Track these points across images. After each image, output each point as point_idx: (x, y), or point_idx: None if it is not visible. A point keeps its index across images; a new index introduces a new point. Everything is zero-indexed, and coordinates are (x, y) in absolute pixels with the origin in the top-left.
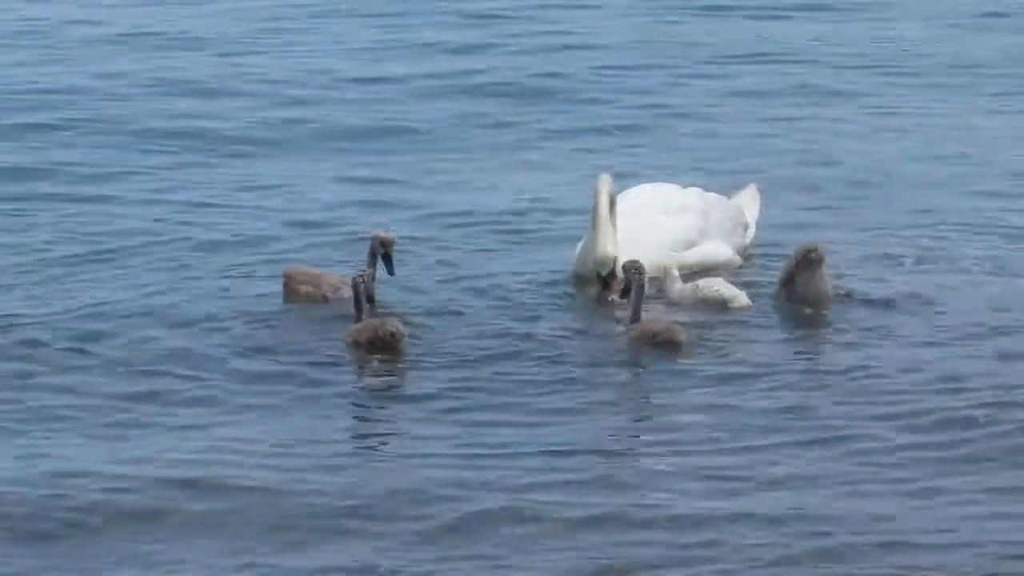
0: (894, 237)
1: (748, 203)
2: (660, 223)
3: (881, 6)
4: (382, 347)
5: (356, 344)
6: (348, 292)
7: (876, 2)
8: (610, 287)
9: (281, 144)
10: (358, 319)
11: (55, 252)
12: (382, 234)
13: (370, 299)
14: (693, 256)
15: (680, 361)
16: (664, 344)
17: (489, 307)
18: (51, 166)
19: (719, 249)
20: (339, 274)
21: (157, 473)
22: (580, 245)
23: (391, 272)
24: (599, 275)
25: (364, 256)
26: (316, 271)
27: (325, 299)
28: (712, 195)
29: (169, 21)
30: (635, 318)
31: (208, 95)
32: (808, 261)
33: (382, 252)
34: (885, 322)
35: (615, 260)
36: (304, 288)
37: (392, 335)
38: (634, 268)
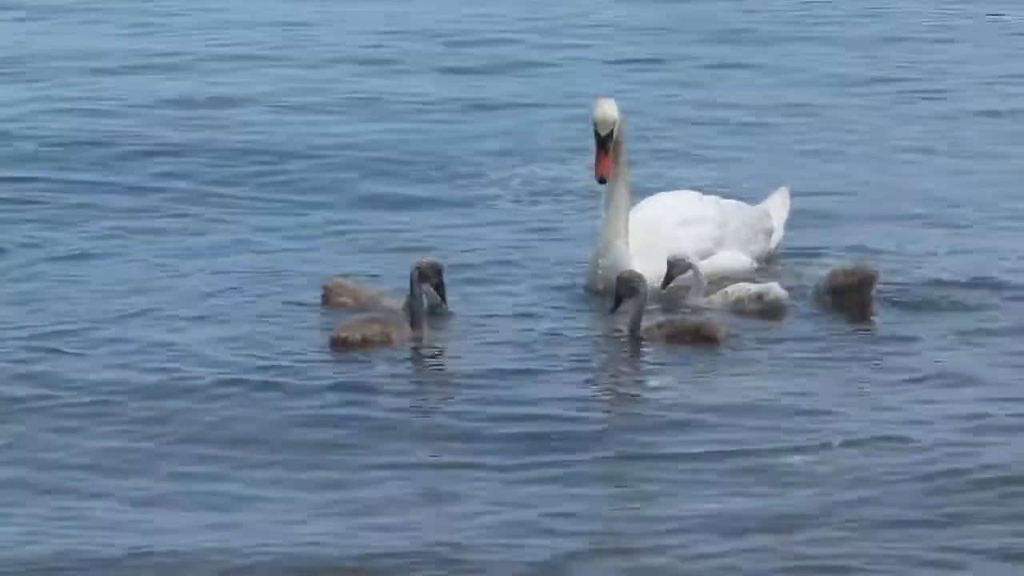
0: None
1: (777, 206)
2: (674, 235)
3: None
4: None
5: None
6: (386, 302)
7: None
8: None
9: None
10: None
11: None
12: (427, 261)
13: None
14: (707, 267)
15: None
16: (702, 339)
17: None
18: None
19: (735, 258)
20: (377, 287)
21: None
22: (590, 256)
23: (443, 301)
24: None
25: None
26: (354, 284)
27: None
28: (731, 202)
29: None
30: (634, 327)
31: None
32: (870, 283)
33: (433, 282)
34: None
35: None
36: (342, 300)
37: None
38: (635, 278)
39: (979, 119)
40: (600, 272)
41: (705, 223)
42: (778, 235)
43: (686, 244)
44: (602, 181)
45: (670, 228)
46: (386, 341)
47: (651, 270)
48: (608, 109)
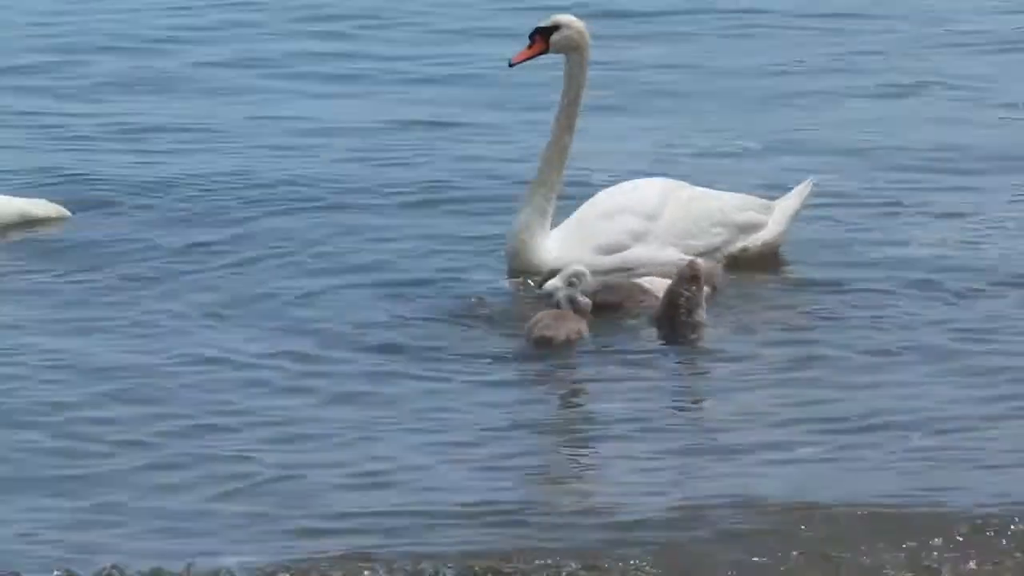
0: None
1: (788, 202)
2: (594, 225)
3: None
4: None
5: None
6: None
7: None
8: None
9: None
10: None
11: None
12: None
13: None
14: (614, 260)
15: None
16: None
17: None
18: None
19: (650, 253)
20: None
21: None
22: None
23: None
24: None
25: None
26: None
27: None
28: (689, 192)
29: None
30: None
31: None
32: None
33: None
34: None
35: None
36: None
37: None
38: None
39: None
40: (510, 258)
41: (627, 215)
42: (773, 231)
43: (602, 238)
44: (511, 65)
45: (594, 219)
46: (579, 338)
47: (567, 261)
48: (564, 16)
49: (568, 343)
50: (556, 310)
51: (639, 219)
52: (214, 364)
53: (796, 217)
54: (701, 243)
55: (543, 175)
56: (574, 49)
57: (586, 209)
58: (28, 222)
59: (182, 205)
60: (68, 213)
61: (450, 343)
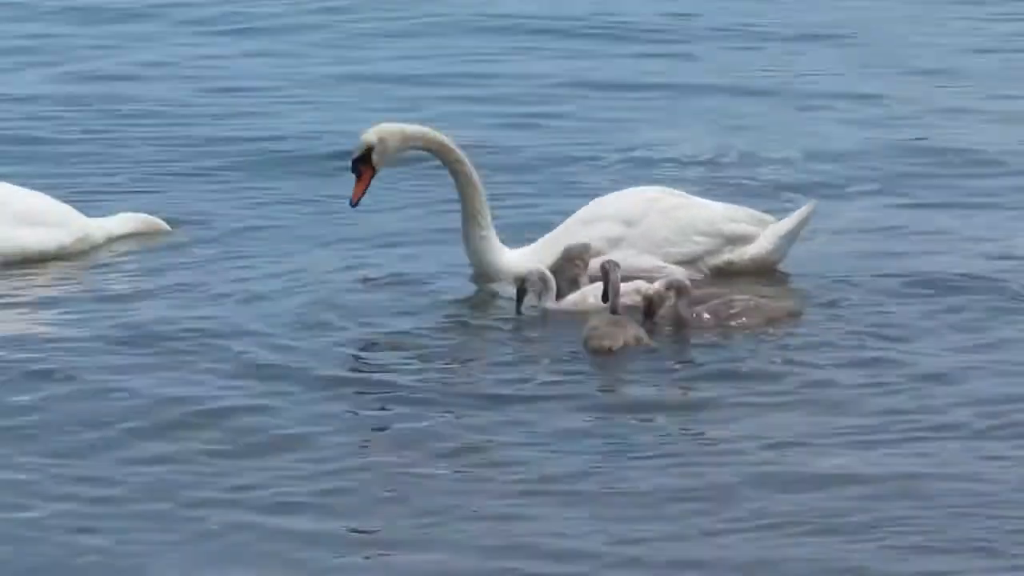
0: None
1: (784, 222)
2: (572, 231)
3: None
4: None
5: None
6: None
7: None
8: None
9: None
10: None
11: None
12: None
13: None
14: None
15: None
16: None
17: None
18: None
19: (626, 260)
20: None
21: None
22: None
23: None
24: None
25: None
26: None
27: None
28: (676, 200)
29: None
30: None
31: None
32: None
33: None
34: None
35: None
36: None
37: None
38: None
39: None
40: (478, 278)
41: (606, 221)
42: (762, 247)
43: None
44: (352, 204)
45: (575, 225)
46: (638, 344)
47: (523, 264)
48: (368, 134)
49: (625, 349)
50: (612, 316)
51: (616, 225)
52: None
53: (792, 237)
54: (681, 251)
55: (469, 208)
56: (406, 149)
57: (572, 218)
58: (129, 237)
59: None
60: (168, 228)
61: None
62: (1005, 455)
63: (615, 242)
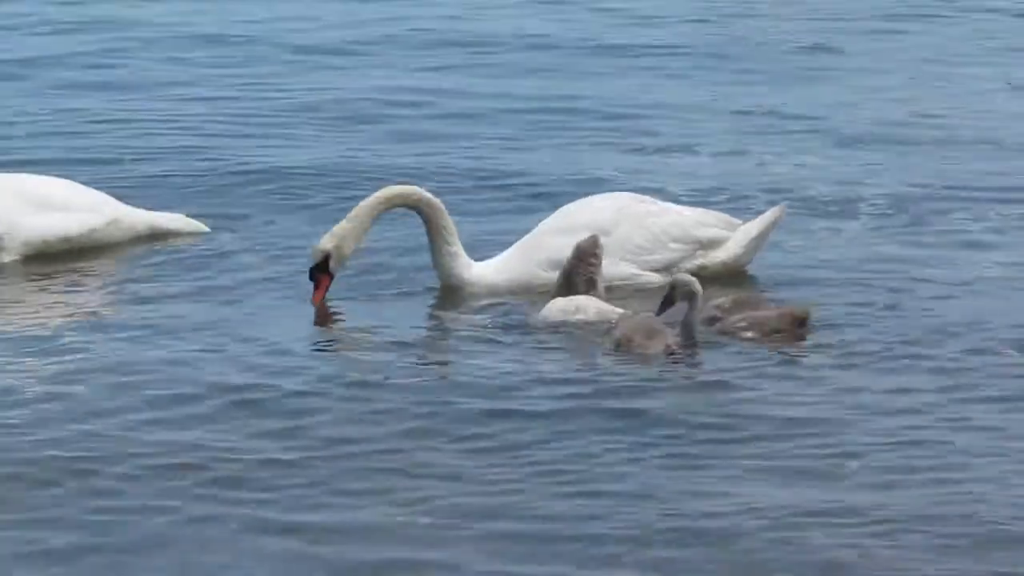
0: None
1: (752, 224)
2: (545, 242)
3: None
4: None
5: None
6: None
7: None
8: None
9: None
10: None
11: None
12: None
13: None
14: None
15: None
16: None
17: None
18: None
19: (604, 269)
20: None
21: None
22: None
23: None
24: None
25: None
26: None
27: None
28: (647, 207)
29: None
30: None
31: None
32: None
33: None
34: None
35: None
36: None
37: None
38: (684, 284)
39: None
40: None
41: (580, 231)
42: (731, 251)
43: (545, 253)
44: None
45: (547, 235)
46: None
47: (490, 275)
48: (322, 241)
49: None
50: (643, 320)
51: (590, 233)
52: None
53: (761, 240)
54: (657, 258)
55: (434, 227)
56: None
57: (541, 227)
58: (164, 236)
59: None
60: (205, 228)
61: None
62: None
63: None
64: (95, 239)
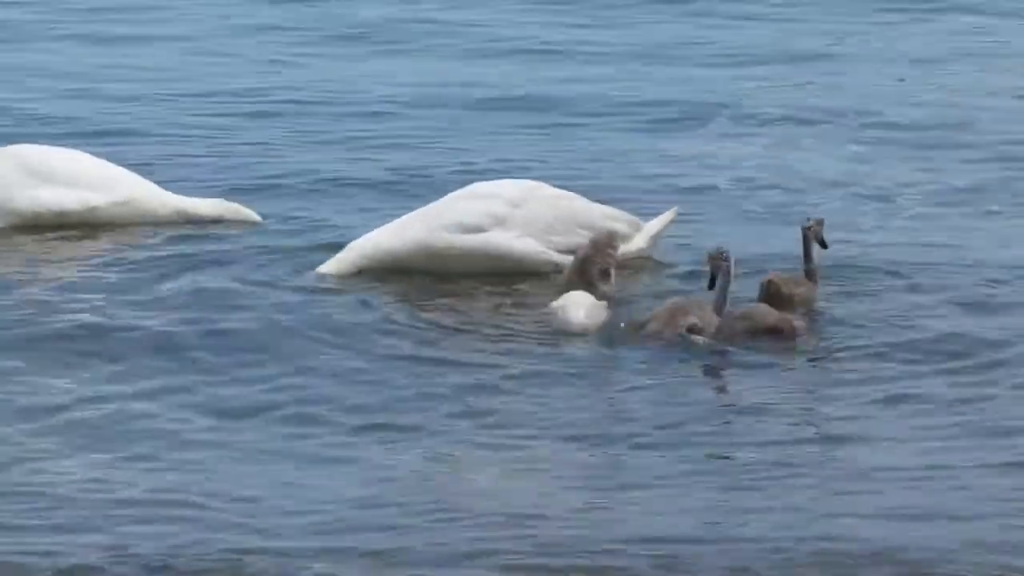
0: None
1: (652, 223)
2: (452, 205)
3: None
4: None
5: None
6: None
7: None
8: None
9: None
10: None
11: None
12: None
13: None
14: (469, 241)
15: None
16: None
17: None
18: None
19: (509, 239)
20: None
21: None
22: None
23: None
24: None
25: None
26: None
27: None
28: (556, 192)
29: None
30: (719, 309)
31: None
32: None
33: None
34: None
35: None
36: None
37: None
38: (721, 256)
39: None
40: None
41: (490, 199)
42: (639, 245)
43: (457, 216)
44: None
45: (453, 199)
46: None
47: (387, 239)
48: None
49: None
50: (674, 305)
51: (502, 204)
52: None
53: (658, 238)
54: (564, 240)
55: None
56: None
57: (448, 196)
58: (211, 223)
59: None
60: (257, 218)
61: None
62: None
63: (501, 220)
64: (98, 217)
